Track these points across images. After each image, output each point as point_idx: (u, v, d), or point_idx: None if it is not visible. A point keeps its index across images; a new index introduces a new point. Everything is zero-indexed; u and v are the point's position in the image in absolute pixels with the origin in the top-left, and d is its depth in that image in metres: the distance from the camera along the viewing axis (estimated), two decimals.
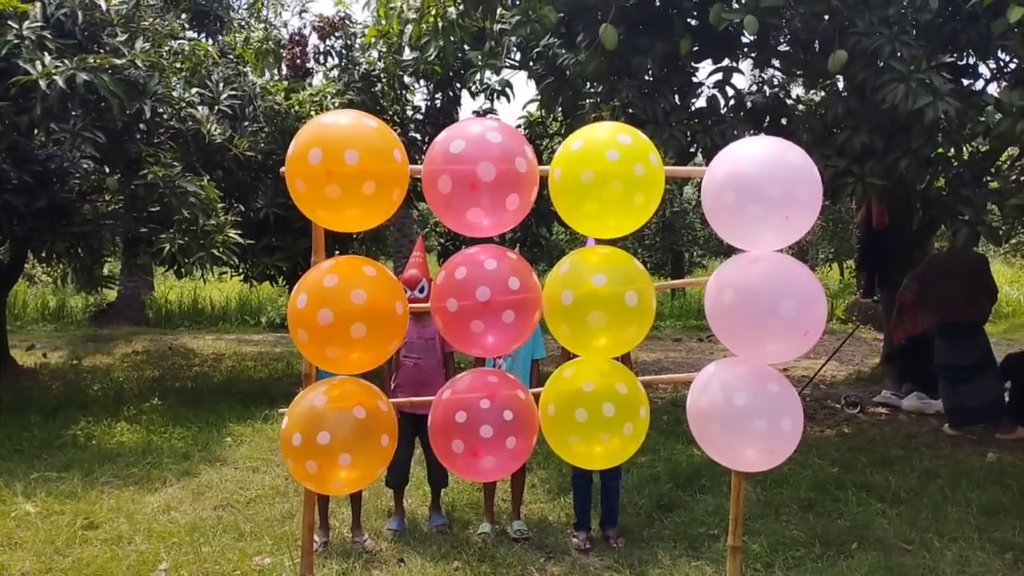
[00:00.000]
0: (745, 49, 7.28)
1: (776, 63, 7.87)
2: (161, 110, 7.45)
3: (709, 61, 7.17)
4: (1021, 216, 5.84)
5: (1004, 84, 6.97)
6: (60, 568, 4.19)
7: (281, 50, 10.45)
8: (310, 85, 9.87)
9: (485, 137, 2.51)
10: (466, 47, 8.23)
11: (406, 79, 10.13)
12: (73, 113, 6.70)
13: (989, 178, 6.75)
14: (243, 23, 11.39)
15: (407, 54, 9.55)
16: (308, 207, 2.57)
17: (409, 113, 10.56)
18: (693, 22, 6.83)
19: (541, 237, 11.29)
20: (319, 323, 2.45)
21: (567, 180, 2.59)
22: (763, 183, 2.47)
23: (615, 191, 2.53)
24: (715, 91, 7.08)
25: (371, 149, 2.46)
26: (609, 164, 2.51)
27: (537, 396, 2.79)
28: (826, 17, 6.08)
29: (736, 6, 6.09)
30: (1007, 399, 7.15)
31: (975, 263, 7.08)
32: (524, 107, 11.19)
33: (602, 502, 4.72)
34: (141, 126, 7.59)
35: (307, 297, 2.50)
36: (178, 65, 8.07)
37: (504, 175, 2.47)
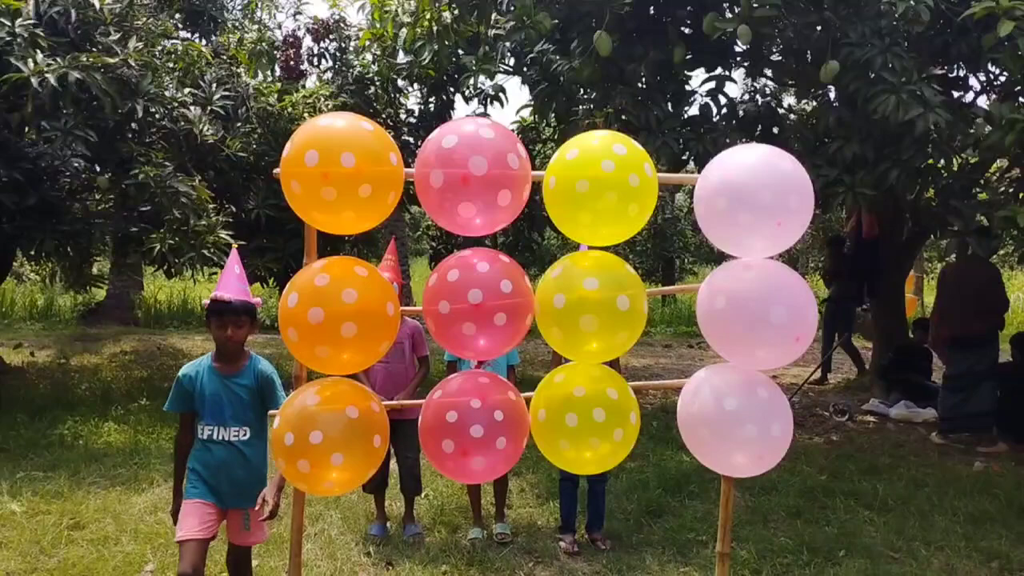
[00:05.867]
0: (738, 58, 7.33)
1: (769, 72, 7.92)
2: (153, 110, 7.43)
3: (702, 69, 7.22)
4: (1009, 227, 5.89)
5: (994, 96, 7.04)
6: (46, 568, 4.17)
7: (275, 52, 10.43)
8: (303, 87, 9.87)
9: (478, 134, 2.52)
10: (460, 51, 8.24)
11: (400, 82, 10.14)
12: (65, 111, 6.68)
13: (978, 189, 6.81)
14: (237, 24, 11.37)
15: (401, 57, 9.56)
16: (303, 209, 2.57)
17: (402, 116, 10.56)
18: (687, 30, 6.88)
19: (533, 242, 11.32)
20: (310, 322, 2.45)
21: (561, 189, 2.60)
22: (755, 190, 2.49)
23: (610, 201, 2.54)
24: (708, 99, 7.12)
25: (367, 152, 2.46)
26: (604, 174, 2.52)
27: (527, 400, 2.80)
28: (819, 28, 6.12)
29: (730, 15, 6.13)
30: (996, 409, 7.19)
31: (984, 275, 7.07)
32: (517, 112, 11.21)
33: (588, 505, 4.73)
34: (133, 125, 7.56)
35: (298, 296, 2.49)
36: (171, 65, 8.06)
37: (496, 170, 2.47)
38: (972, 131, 6.04)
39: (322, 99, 9.01)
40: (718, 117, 7.08)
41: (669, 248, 19.36)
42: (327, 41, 10.45)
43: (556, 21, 6.77)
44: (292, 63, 10.36)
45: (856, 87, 5.82)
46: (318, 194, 2.45)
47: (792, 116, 8.61)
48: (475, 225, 2.59)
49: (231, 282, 3.28)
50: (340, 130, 2.50)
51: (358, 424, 2.57)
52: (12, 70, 6.17)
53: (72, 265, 8.33)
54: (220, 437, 3.32)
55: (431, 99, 10.43)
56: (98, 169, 7.72)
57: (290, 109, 8.82)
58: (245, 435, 3.34)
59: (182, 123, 7.71)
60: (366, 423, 2.60)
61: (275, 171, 2.63)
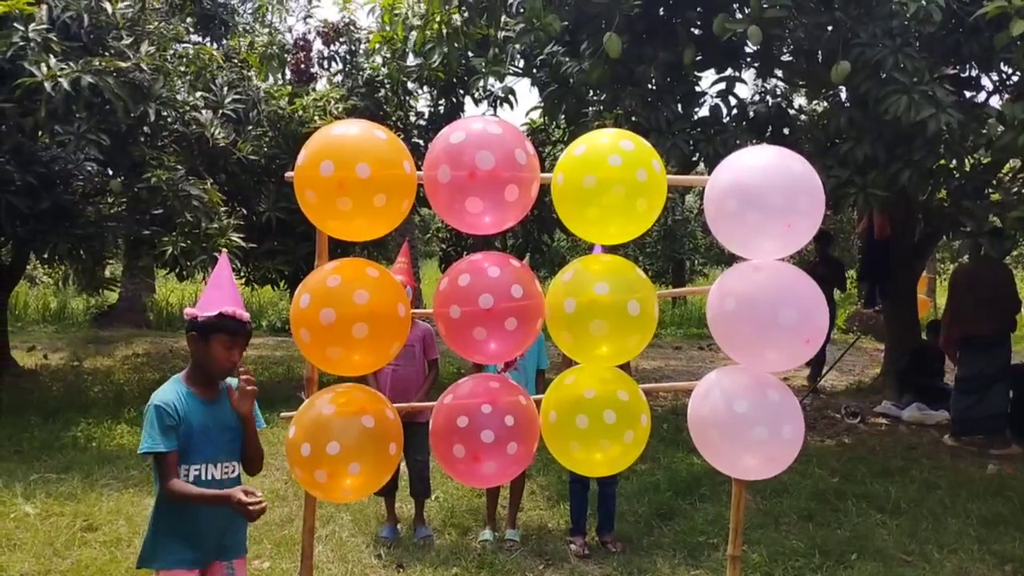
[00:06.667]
0: (748, 59, 7.31)
1: (779, 73, 7.90)
2: (165, 113, 7.47)
3: (712, 70, 7.20)
4: (1022, 228, 5.86)
5: (1006, 97, 7.00)
6: (59, 570, 4.19)
7: (285, 55, 10.47)
8: (314, 90, 9.89)
9: (485, 130, 2.53)
10: (470, 54, 8.26)
11: (410, 85, 10.16)
12: (77, 115, 6.73)
13: (991, 190, 6.77)
14: (248, 27, 11.41)
15: (411, 60, 9.58)
16: (318, 218, 2.58)
17: (412, 119, 10.58)
18: (697, 32, 6.86)
19: (543, 244, 11.32)
20: (321, 323, 2.45)
21: (569, 185, 2.60)
22: (765, 192, 2.48)
23: (617, 196, 2.53)
24: (718, 100, 7.10)
25: (382, 161, 2.47)
26: (611, 169, 2.52)
27: (538, 403, 2.80)
28: (830, 28, 6.10)
29: (740, 16, 6.11)
30: (1009, 410, 7.14)
31: (997, 276, 7.02)
32: (527, 114, 11.19)
33: (599, 508, 4.73)
34: (145, 129, 7.61)
35: (310, 297, 2.50)
36: (183, 69, 8.10)
37: (502, 165, 2.47)
38: (984, 131, 6.01)
39: (332, 102, 9.04)
40: (728, 118, 7.07)
41: (679, 249, 19.34)
42: (337, 44, 10.48)
43: (565, 23, 6.77)
44: (303, 66, 10.39)
45: (867, 87, 5.80)
46: (334, 203, 2.46)
47: (803, 117, 8.58)
48: (484, 223, 2.59)
49: (233, 295, 2.71)
50: (354, 139, 2.51)
51: (374, 433, 2.58)
52: (25, 75, 6.22)
53: (85, 268, 8.39)
54: (210, 476, 2.69)
55: (441, 101, 10.44)
56: (111, 173, 7.78)
57: (301, 112, 8.86)
58: (235, 472, 2.76)
59: (194, 126, 7.76)
60: (382, 431, 2.60)
61: (286, 174, 2.64)
